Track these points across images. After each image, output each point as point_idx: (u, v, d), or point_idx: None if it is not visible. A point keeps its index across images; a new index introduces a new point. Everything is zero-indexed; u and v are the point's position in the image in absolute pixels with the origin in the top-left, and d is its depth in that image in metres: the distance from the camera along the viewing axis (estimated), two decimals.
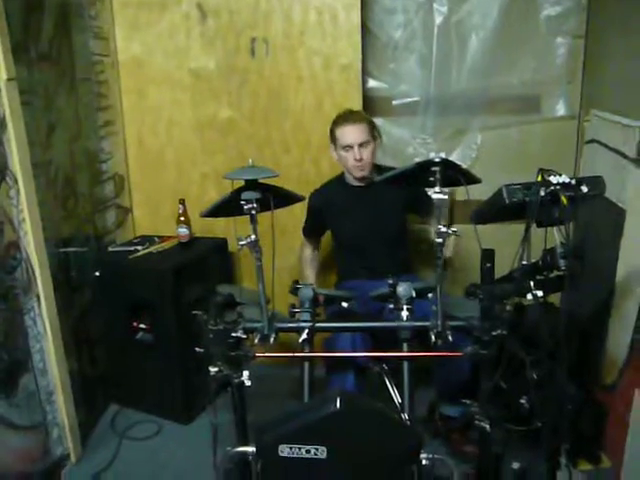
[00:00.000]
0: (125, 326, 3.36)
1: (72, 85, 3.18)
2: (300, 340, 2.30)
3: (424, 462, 1.98)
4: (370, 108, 3.66)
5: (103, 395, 3.51)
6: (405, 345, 2.31)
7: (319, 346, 2.68)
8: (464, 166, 2.08)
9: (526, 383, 2.04)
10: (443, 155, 1.96)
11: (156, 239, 3.60)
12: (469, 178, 2.07)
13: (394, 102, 3.78)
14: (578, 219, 1.94)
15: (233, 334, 2.19)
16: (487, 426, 2.15)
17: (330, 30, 3.39)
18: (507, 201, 1.97)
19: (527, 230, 1.94)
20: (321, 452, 1.84)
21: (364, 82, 3.60)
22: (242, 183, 2.09)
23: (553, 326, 1.95)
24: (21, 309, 2.68)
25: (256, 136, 3.62)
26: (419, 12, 3.63)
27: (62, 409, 2.91)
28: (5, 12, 2.47)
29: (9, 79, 2.50)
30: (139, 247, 3.46)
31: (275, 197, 2.13)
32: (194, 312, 2.26)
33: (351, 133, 2.99)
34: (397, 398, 2.45)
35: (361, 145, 2.98)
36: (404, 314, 2.28)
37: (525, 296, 2.05)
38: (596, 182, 2.02)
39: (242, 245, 2.10)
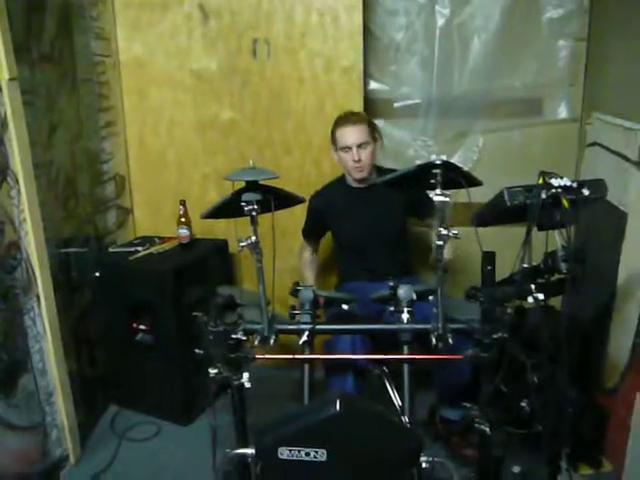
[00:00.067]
0: (125, 327, 3.35)
1: (73, 85, 3.18)
2: (300, 342, 2.31)
3: (424, 465, 1.99)
4: (371, 110, 3.65)
5: (102, 396, 3.50)
6: (405, 348, 2.31)
7: (319, 348, 2.67)
8: (465, 169, 2.07)
9: (527, 386, 2.04)
10: (444, 157, 1.96)
11: (156, 240, 3.60)
12: (470, 181, 2.07)
13: (395, 104, 3.78)
14: (579, 222, 1.93)
15: (233, 336, 2.20)
16: (487, 429, 2.15)
17: (332, 32, 3.38)
18: (508, 204, 1.96)
19: (528, 233, 1.94)
20: (321, 455, 1.84)
21: (365, 84, 3.60)
22: (243, 184, 2.09)
23: (554, 329, 1.95)
24: (21, 309, 2.67)
25: (257, 137, 3.62)
26: (421, 14, 3.62)
27: (61, 410, 2.90)
28: (7, 12, 2.47)
29: (11, 79, 2.50)
30: (139, 248, 3.45)
31: (276, 198, 2.13)
32: (194, 313, 2.26)
33: (350, 134, 2.99)
34: (397, 401, 2.45)
35: (360, 146, 2.98)
36: (405, 316, 2.29)
37: (526, 299, 2.04)
38: (598, 185, 2.02)
39: (242, 246, 2.10)
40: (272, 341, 2.22)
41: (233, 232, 2.13)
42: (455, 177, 2.01)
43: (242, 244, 2.10)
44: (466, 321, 2.18)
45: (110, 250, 3.52)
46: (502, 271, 2.12)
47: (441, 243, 2.02)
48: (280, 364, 2.89)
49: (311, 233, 3.36)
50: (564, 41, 3.55)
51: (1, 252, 2.54)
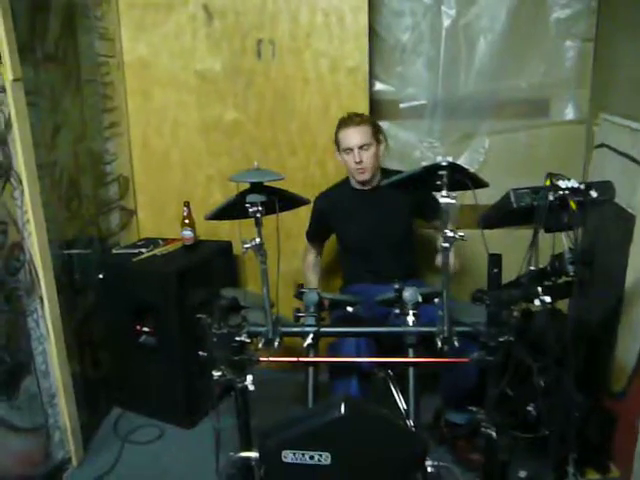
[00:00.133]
0: (128, 329, 3.34)
1: (77, 86, 3.17)
2: (305, 345, 2.30)
3: (429, 469, 1.99)
4: (377, 111, 3.64)
5: (106, 398, 3.49)
6: (411, 350, 2.29)
7: (324, 351, 2.66)
8: (471, 170, 2.06)
9: (533, 390, 2.03)
10: (450, 159, 1.95)
11: (160, 242, 3.59)
12: (476, 182, 2.05)
13: (401, 105, 3.76)
14: (587, 224, 1.92)
15: (237, 338, 2.19)
16: (493, 433, 2.13)
17: (337, 32, 3.37)
18: (515, 205, 1.96)
19: (535, 235, 1.93)
20: (325, 458, 1.84)
21: (371, 85, 3.58)
22: (247, 186, 2.08)
23: (561, 332, 1.94)
24: (24, 311, 2.67)
25: (262, 138, 3.61)
26: (427, 15, 3.61)
27: (64, 412, 2.89)
28: (12, 12, 2.47)
29: (15, 79, 2.49)
30: (143, 249, 3.44)
31: (280, 200, 2.13)
32: (198, 315, 2.26)
33: (351, 136, 2.99)
34: (402, 404, 2.44)
35: (361, 148, 2.97)
36: (410, 319, 2.27)
37: (533, 302, 2.03)
38: (605, 187, 2.01)
39: (247, 248, 2.09)
40: (276, 344, 2.22)
41: (237, 234, 2.12)
42: (461, 179, 1.99)
43: (246, 246, 2.09)
44: (472, 324, 2.18)
45: (114, 252, 3.51)
46: (508, 274, 2.11)
47: (447, 245, 2.01)
48: (284, 367, 2.88)
49: (315, 235, 3.35)
50: (571, 42, 3.53)
51: (4, 253, 2.53)
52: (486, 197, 2.06)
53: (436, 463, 1.99)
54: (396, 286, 2.32)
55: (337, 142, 3.08)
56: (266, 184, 2.07)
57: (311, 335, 2.28)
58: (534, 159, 3.65)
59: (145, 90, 3.63)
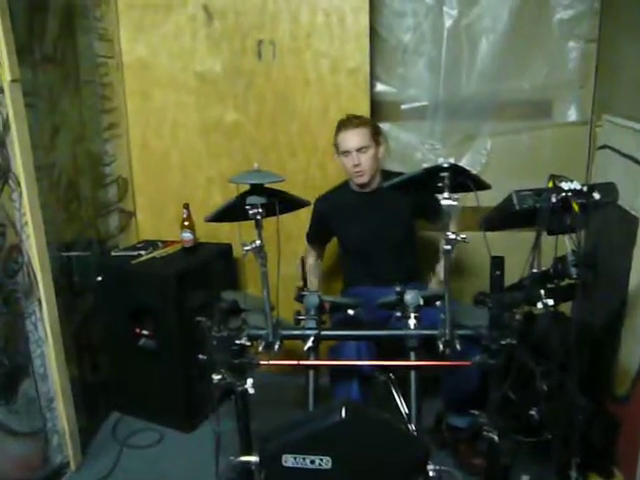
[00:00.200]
0: (127, 332, 3.33)
1: (76, 87, 3.16)
2: (305, 348, 2.29)
3: (431, 474, 1.99)
4: (378, 112, 3.63)
5: (104, 402, 3.47)
6: (412, 354, 2.28)
7: (324, 354, 2.65)
8: (473, 172, 2.05)
9: (536, 394, 2.02)
10: (452, 160, 1.94)
11: (160, 244, 3.57)
12: (479, 184, 2.04)
13: (402, 106, 3.75)
14: (590, 226, 1.92)
15: (237, 341, 2.18)
16: (495, 437, 2.13)
17: (338, 33, 3.36)
18: (517, 207, 1.95)
19: (538, 237, 1.93)
20: (326, 462, 1.84)
21: (372, 86, 3.57)
22: (247, 187, 2.07)
23: (564, 335, 1.94)
24: (22, 313, 2.66)
25: (262, 140, 3.59)
26: (429, 15, 3.60)
27: (62, 416, 2.88)
28: (10, 13, 2.46)
29: (13, 80, 2.48)
30: (142, 252, 3.42)
31: (280, 202, 2.12)
32: (197, 318, 2.25)
33: (349, 138, 2.99)
34: (404, 408, 2.44)
35: (359, 150, 2.97)
36: (411, 322, 2.27)
37: (535, 305, 2.03)
38: (608, 189, 2.00)
39: (247, 251, 2.08)
40: (276, 347, 2.21)
41: (237, 236, 2.12)
42: (463, 180, 1.99)
43: (246, 248, 2.08)
44: (474, 327, 2.17)
45: (112, 254, 3.49)
46: (511, 276, 2.10)
47: (449, 248, 2.00)
48: (285, 370, 2.87)
49: (315, 238, 3.34)
50: (574, 42, 3.53)
51: (2, 256, 2.52)
52: (488, 199, 2.05)
53: (438, 467, 1.98)
54: (397, 289, 2.31)
55: (336, 145, 3.07)
56: (266, 186, 2.06)
57: (312, 338, 2.27)
58: (536, 161, 3.65)
59: (144, 91, 3.62)
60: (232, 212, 2.15)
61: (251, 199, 2.05)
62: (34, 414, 2.72)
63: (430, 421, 2.97)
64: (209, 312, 2.20)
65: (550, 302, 1.99)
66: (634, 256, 2.69)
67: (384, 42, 3.66)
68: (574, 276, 1.95)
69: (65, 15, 3.05)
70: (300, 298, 2.42)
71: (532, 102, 3.64)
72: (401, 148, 3.78)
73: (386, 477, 1.92)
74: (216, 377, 2.13)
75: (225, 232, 3.58)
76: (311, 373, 2.37)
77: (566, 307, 2.06)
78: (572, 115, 3.63)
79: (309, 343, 2.27)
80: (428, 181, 1.99)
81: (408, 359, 2.28)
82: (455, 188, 1.97)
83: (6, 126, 2.49)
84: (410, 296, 2.27)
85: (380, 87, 3.73)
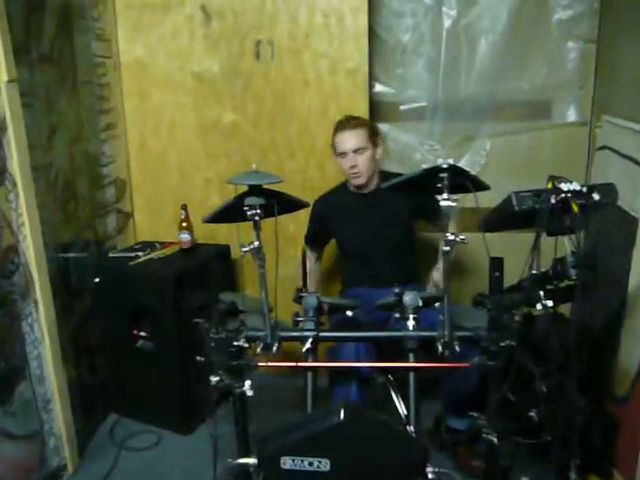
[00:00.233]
0: (125, 334, 3.32)
1: (73, 87, 3.15)
2: (304, 349, 2.28)
3: (430, 476, 1.97)
4: (377, 113, 3.63)
5: (102, 404, 3.46)
6: (411, 355, 2.28)
7: (323, 356, 2.64)
8: (473, 173, 2.05)
9: (535, 395, 2.02)
10: (451, 161, 1.94)
11: (157, 245, 3.56)
12: (478, 185, 2.05)
13: (401, 107, 3.74)
14: (589, 227, 1.93)
15: (235, 343, 2.18)
16: (495, 439, 2.12)
17: (337, 33, 3.35)
18: (516, 208, 1.95)
19: (537, 238, 1.93)
20: (324, 465, 1.83)
21: (371, 86, 3.56)
22: (245, 188, 2.07)
23: (563, 337, 1.94)
24: (19, 315, 2.64)
25: (260, 141, 3.58)
26: (428, 15, 3.59)
27: (59, 418, 2.87)
28: (6, 13, 2.45)
29: (10, 80, 2.47)
30: (140, 253, 3.42)
31: (279, 203, 2.12)
32: (195, 320, 2.24)
33: (346, 140, 2.99)
34: (402, 410, 2.43)
35: (356, 152, 2.97)
36: (410, 324, 2.26)
37: (534, 306, 2.03)
38: (608, 190, 2.01)
39: (245, 252, 2.08)
40: (275, 348, 2.20)
41: (235, 237, 2.10)
42: (462, 181, 1.99)
43: (244, 249, 2.07)
44: (473, 328, 2.16)
45: (110, 255, 3.48)
46: (510, 277, 2.10)
47: (448, 249, 2.00)
48: (283, 372, 2.85)
49: (314, 239, 3.33)
50: (573, 43, 3.52)
51: None
52: (487, 200, 2.05)
53: (437, 470, 1.96)
54: (396, 290, 2.30)
55: (333, 146, 3.07)
56: (265, 187, 2.06)
57: (310, 340, 2.26)
58: (536, 162, 3.65)
59: (142, 91, 3.61)
60: (230, 213, 2.14)
61: (249, 200, 2.04)
62: (31, 416, 2.71)
63: (429, 423, 2.97)
64: (207, 314, 2.20)
65: (549, 303, 1.99)
66: (633, 257, 2.69)
67: (383, 42, 3.66)
68: (573, 277, 1.95)
69: (62, 15, 3.04)
70: (298, 299, 2.42)
71: (531, 103, 3.64)
72: (400, 149, 3.77)
73: (385, 479, 1.91)
74: (214, 379, 2.12)
75: (223, 233, 3.57)
76: (309, 375, 2.36)
77: (565, 308, 2.05)
78: (571, 116, 3.62)
79: (307, 345, 2.26)
80: (427, 182, 1.98)
81: (407, 361, 2.28)
82: (454, 189, 1.96)
83: (3, 126, 2.48)
84: (409, 297, 2.27)
85: (379, 87, 3.72)
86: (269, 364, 2.26)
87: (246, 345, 2.19)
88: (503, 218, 2.07)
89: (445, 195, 1.96)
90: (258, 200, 2.04)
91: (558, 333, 1.94)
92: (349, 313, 2.51)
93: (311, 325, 2.31)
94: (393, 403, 2.51)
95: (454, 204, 1.95)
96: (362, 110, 3.36)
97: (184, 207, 3.40)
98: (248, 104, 3.54)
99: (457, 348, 2.12)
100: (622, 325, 2.77)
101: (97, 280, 3.31)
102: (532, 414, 2.08)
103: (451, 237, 1.97)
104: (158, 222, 3.78)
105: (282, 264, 2.17)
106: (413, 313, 2.25)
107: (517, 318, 2.08)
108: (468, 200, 2.03)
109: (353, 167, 2.98)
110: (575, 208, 1.89)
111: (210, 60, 3.50)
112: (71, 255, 3.13)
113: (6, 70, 2.44)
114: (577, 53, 3.53)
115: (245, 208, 2.04)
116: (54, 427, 2.86)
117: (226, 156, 3.63)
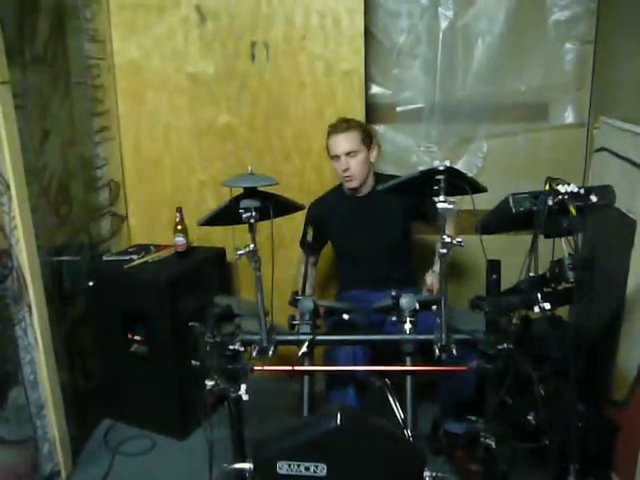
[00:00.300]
0: (119, 338, 3.30)
1: (67, 89, 3.13)
2: (300, 353, 2.28)
3: None
4: (373, 115, 3.62)
5: (96, 409, 3.44)
6: (408, 359, 2.29)
7: (319, 359, 2.63)
8: (470, 175, 2.05)
9: (533, 399, 2.04)
10: (448, 163, 1.94)
11: (152, 248, 3.54)
12: (475, 187, 2.05)
13: (398, 109, 3.73)
14: (587, 229, 1.93)
15: (230, 347, 2.18)
16: (492, 443, 2.13)
17: (332, 35, 3.34)
18: (514, 210, 1.96)
19: (534, 241, 1.93)
20: (321, 469, 1.83)
21: (367, 88, 3.55)
22: (241, 191, 2.07)
23: (561, 340, 1.94)
24: (12, 319, 2.62)
25: (256, 143, 3.57)
26: (424, 16, 3.58)
27: (53, 423, 2.85)
28: None
29: (2, 82, 2.46)
30: (134, 256, 3.40)
31: (275, 206, 2.12)
32: (190, 324, 2.24)
33: (338, 143, 2.99)
34: (399, 414, 2.45)
35: (348, 155, 2.96)
36: (407, 327, 2.26)
37: (532, 309, 2.03)
38: (606, 191, 2.01)
39: (240, 255, 2.08)
40: (271, 352, 2.20)
41: (231, 240, 2.11)
42: (459, 183, 1.99)
43: (240, 252, 2.08)
44: (470, 331, 2.17)
45: (104, 258, 3.46)
46: (507, 280, 2.10)
47: (445, 251, 2.00)
48: (279, 376, 2.85)
49: (309, 243, 3.29)
50: (571, 44, 3.52)
51: None
52: (485, 202, 2.06)
53: (434, 474, 1.95)
54: (393, 293, 2.31)
55: (327, 149, 3.06)
56: (260, 189, 2.06)
57: (306, 343, 2.26)
58: (533, 163, 3.64)
59: (136, 93, 3.59)
60: (225, 216, 2.14)
61: (245, 203, 2.04)
62: (24, 422, 2.69)
63: (426, 427, 2.95)
64: (202, 317, 2.19)
65: (547, 306, 1.99)
66: (632, 259, 2.69)
67: (379, 44, 3.64)
68: (571, 279, 1.94)
69: (56, 16, 3.02)
70: (294, 302, 2.42)
71: (528, 104, 3.63)
72: (396, 151, 3.76)
73: None
74: (209, 383, 2.12)
75: (218, 236, 3.57)
76: (306, 379, 2.37)
77: (563, 311, 2.04)
78: (569, 117, 3.62)
79: (304, 348, 2.26)
80: (424, 184, 1.98)
81: (404, 364, 2.28)
82: (451, 191, 1.96)
83: None
84: (406, 300, 2.27)
85: (375, 89, 3.71)
86: (265, 368, 2.28)
87: (242, 349, 2.18)
88: (500, 220, 2.07)
89: (442, 197, 1.95)
90: (253, 203, 2.04)
91: (556, 336, 1.95)
92: (345, 316, 2.51)
93: (307, 329, 2.30)
94: (390, 407, 2.53)
95: (451, 206, 1.95)
96: (358, 112, 3.35)
97: (179, 210, 3.38)
98: (243, 106, 3.52)
99: (454, 351, 2.12)
100: (621, 328, 2.77)
101: (91, 284, 3.29)
102: (530, 418, 2.10)
103: (448, 239, 1.97)
104: (153, 225, 3.76)
105: (278, 267, 2.18)
106: (410, 316, 2.26)
107: (515, 321, 2.08)
108: (465, 202, 2.03)
109: (346, 170, 2.97)
110: (573, 210, 1.89)
111: (205, 61, 3.48)
112: (65, 259, 3.12)
113: None
114: (574, 54, 3.53)
115: (240, 211, 2.04)
116: (48, 432, 2.84)
117: (221, 158, 3.61)
